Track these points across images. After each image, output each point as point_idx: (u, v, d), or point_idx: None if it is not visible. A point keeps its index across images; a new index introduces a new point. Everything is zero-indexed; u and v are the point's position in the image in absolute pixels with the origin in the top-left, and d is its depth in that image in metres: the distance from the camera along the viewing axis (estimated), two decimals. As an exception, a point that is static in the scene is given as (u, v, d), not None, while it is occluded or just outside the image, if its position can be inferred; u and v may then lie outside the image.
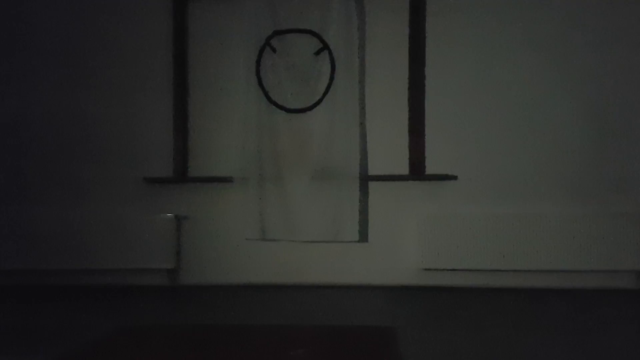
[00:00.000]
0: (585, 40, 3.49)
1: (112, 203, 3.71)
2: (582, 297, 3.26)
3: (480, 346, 2.31)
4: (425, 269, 3.51)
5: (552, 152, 3.51)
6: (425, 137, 3.58)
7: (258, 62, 3.58)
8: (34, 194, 3.74)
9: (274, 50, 3.58)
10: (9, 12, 3.80)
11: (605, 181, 3.47)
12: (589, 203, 3.46)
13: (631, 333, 2.54)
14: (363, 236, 3.59)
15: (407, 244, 3.56)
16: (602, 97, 3.48)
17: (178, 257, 3.67)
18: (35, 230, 3.63)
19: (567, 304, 3.13)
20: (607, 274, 3.40)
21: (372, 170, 3.62)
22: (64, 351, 2.24)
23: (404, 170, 3.60)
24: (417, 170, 3.57)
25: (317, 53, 3.56)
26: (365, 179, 3.59)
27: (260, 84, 3.58)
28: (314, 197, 3.53)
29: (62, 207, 3.71)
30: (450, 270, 3.49)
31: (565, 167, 3.49)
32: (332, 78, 3.54)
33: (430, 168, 3.58)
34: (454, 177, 3.55)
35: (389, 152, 3.61)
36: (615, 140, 3.47)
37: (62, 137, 3.76)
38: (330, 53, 3.54)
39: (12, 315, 2.95)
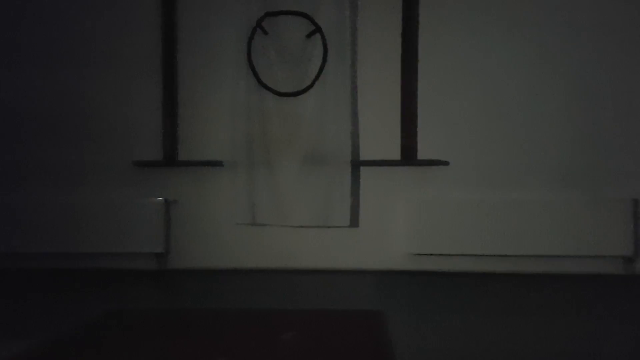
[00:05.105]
0: (578, 31, 3.47)
1: (101, 187, 3.66)
2: (570, 282, 3.29)
3: (469, 330, 2.33)
4: (415, 254, 3.52)
5: (543, 140, 3.51)
6: (418, 122, 3.56)
7: (249, 45, 3.52)
8: (23, 178, 3.68)
9: (265, 32, 3.52)
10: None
11: (593, 168, 3.49)
12: (577, 190, 3.48)
13: (618, 317, 2.57)
14: (354, 221, 3.58)
15: (397, 229, 3.56)
16: (593, 86, 3.48)
17: (167, 241, 3.65)
18: (24, 214, 3.58)
19: (555, 289, 3.16)
20: (594, 259, 3.43)
21: (364, 155, 3.60)
22: (53, 334, 2.22)
23: (396, 155, 3.58)
24: (409, 156, 3.55)
25: (309, 35, 3.51)
26: (356, 163, 3.57)
27: (250, 66, 3.52)
28: (305, 181, 3.51)
29: (51, 191, 3.66)
30: (440, 255, 3.50)
31: (555, 155, 3.50)
32: (324, 61, 3.49)
33: (422, 153, 3.57)
34: (446, 163, 3.55)
35: (381, 136, 3.58)
36: (604, 128, 3.48)
37: (51, 120, 3.69)
38: (322, 35, 3.49)
39: (1, 299, 2.93)
